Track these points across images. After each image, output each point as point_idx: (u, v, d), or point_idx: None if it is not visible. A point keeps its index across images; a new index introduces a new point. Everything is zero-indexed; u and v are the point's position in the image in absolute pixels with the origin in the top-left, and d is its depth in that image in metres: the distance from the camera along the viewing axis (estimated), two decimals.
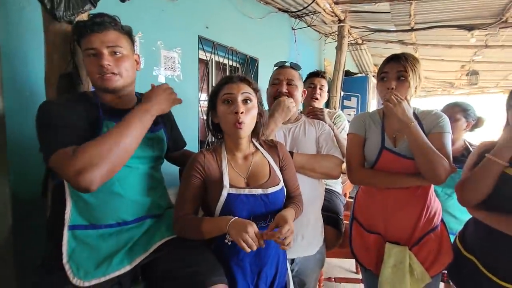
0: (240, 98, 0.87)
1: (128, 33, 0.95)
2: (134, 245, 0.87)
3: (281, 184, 0.94)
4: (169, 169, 1.21)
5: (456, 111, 1.55)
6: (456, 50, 4.39)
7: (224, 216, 0.83)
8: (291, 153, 1.10)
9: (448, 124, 1.06)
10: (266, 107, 1.12)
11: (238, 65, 2.79)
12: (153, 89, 0.97)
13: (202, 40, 2.20)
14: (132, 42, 0.97)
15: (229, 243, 0.81)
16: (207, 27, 2.24)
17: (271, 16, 3.07)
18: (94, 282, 0.77)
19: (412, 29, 3.83)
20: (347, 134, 1.23)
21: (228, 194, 0.86)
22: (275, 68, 1.29)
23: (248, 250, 0.74)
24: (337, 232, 1.41)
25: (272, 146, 1.00)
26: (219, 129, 0.95)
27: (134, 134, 0.82)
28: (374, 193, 1.14)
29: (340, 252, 1.48)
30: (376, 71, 1.35)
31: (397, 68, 1.05)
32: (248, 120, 0.88)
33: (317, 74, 1.83)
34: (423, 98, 8.50)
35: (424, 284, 1.03)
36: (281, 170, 0.98)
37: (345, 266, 2.39)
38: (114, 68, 0.88)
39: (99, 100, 0.92)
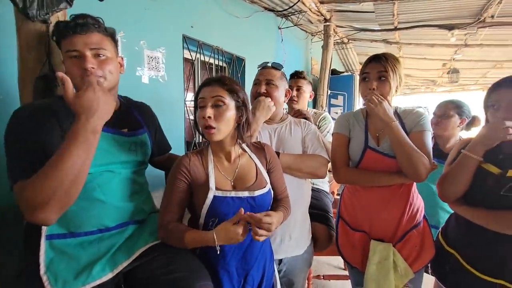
0: (210, 103, 0.85)
1: (111, 35, 0.92)
2: (117, 251, 0.84)
3: (268, 186, 0.94)
4: (155, 171, 1.19)
5: (449, 107, 1.57)
6: (438, 49, 4.52)
7: (205, 232, 0.82)
8: (277, 153, 1.09)
9: (429, 122, 1.09)
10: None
11: (224, 65, 2.77)
12: (82, 95, 0.72)
13: (187, 40, 2.17)
14: (116, 44, 0.94)
15: (219, 252, 0.80)
16: (192, 26, 2.20)
17: (257, 15, 3.06)
18: None
19: (395, 29, 3.91)
20: (332, 134, 1.23)
21: (214, 196, 0.85)
22: (258, 69, 1.28)
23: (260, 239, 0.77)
24: (327, 228, 1.42)
25: (259, 148, 1.00)
26: None
27: (78, 161, 0.69)
28: (359, 191, 1.15)
29: (328, 249, 1.49)
30: None
31: (378, 69, 1.06)
32: (220, 124, 0.85)
33: (293, 75, 1.80)
34: (407, 96, 8.72)
35: (408, 279, 1.05)
36: (268, 172, 0.98)
37: (334, 263, 2.42)
38: (98, 70, 0.84)
39: None
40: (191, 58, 2.31)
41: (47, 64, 1.01)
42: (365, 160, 1.11)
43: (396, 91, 1.10)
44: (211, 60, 2.57)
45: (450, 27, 3.42)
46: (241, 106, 0.89)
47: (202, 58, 2.46)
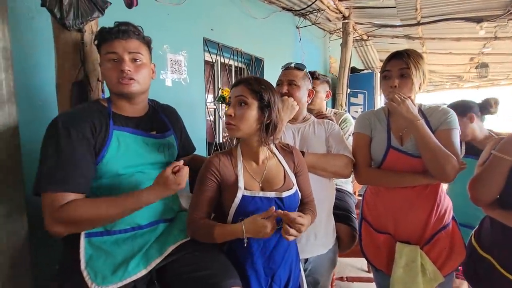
0: (234, 102, 0.90)
1: (148, 43, 0.99)
2: (149, 249, 0.88)
3: (295, 188, 0.95)
4: None
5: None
6: (465, 43, 4.30)
7: (234, 225, 0.84)
8: (302, 152, 1.10)
9: (456, 120, 1.04)
10: None
11: (243, 66, 2.79)
12: (166, 180, 0.85)
13: (207, 42, 2.21)
14: (150, 52, 1.00)
15: (247, 245, 0.82)
16: (212, 29, 2.25)
17: (275, 16, 3.06)
18: (111, 287, 0.78)
19: (418, 23, 3.76)
20: (353, 134, 1.22)
21: (243, 196, 0.87)
22: (281, 69, 1.29)
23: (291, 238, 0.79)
24: (350, 229, 1.40)
25: (288, 152, 1.01)
26: None
27: (124, 213, 0.84)
28: (382, 192, 1.13)
29: (351, 251, 1.47)
30: None
31: (400, 66, 1.04)
32: (240, 123, 0.88)
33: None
34: (430, 93, 8.37)
35: (437, 283, 1.02)
36: (295, 175, 0.99)
37: (357, 265, 2.38)
38: (134, 74, 0.91)
39: (111, 108, 0.93)
40: (211, 60, 2.35)
41: (82, 70, 1.08)
42: (388, 160, 1.08)
43: (419, 88, 1.06)
44: (231, 62, 2.61)
45: (478, 20, 3.25)
46: (265, 107, 0.90)
47: (222, 60, 2.49)
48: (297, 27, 3.62)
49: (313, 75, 1.81)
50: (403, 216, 1.07)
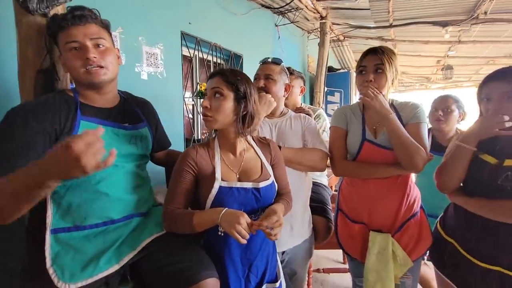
0: (210, 93, 0.90)
1: (107, 26, 0.93)
2: (122, 243, 0.85)
3: (272, 178, 0.96)
4: (154, 168, 1.19)
5: (450, 102, 1.60)
6: (432, 45, 4.58)
7: (214, 208, 0.84)
8: (279, 147, 1.11)
9: (425, 114, 1.11)
10: None
11: (222, 62, 2.77)
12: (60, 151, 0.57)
13: (185, 36, 2.17)
14: (111, 35, 0.95)
15: (222, 234, 0.82)
16: (190, 23, 2.20)
17: (254, 13, 3.06)
18: (80, 284, 0.75)
19: (390, 26, 3.94)
20: (330, 128, 1.25)
21: (220, 187, 0.87)
22: (258, 64, 1.30)
23: (243, 241, 0.75)
24: (326, 221, 1.44)
25: (265, 144, 1.02)
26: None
27: (26, 188, 0.63)
28: (357, 184, 1.17)
29: (328, 242, 1.51)
30: None
31: (375, 61, 1.08)
32: (216, 114, 0.88)
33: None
34: (402, 93, 8.80)
35: (407, 268, 1.07)
36: (272, 167, 1.00)
37: (333, 257, 2.46)
38: (101, 60, 0.85)
39: (78, 98, 0.88)
40: (189, 55, 2.31)
41: (47, 58, 1.01)
42: (362, 152, 1.13)
43: (392, 83, 1.11)
44: (209, 57, 2.57)
45: (444, 24, 3.47)
46: (241, 99, 0.90)
47: (200, 55, 2.45)
48: (276, 25, 3.65)
49: (288, 70, 1.83)
50: (376, 206, 1.12)
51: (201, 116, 0.93)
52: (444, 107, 1.61)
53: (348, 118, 1.20)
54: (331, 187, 2.25)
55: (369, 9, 3.58)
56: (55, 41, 0.88)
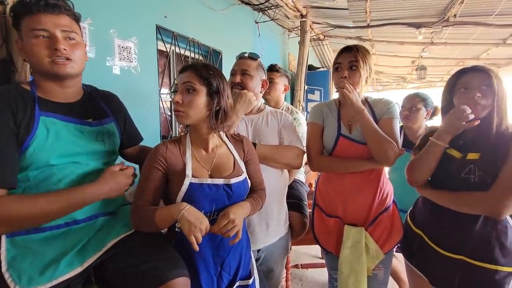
0: (182, 88, 0.87)
1: (78, 20, 0.89)
2: (86, 245, 0.80)
3: (244, 175, 0.94)
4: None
5: (416, 101, 1.68)
6: (407, 46, 4.75)
7: (175, 204, 0.82)
8: (254, 144, 1.10)
9: (397, 110, 1.14)
10: None
11: (201, 58, 2.71)
12: (114, 175, 0.87)
13: (160, 30, 2.10)
14: (81, 30, 0.90)
15: (178, 231, 0.79)
16: (165, 17, 2.13)
17: (234, 9, 3.03)
18: None
19: (368, 26, 4.04)
20: (307, 123, 1.26)
21: (190, 183, 0.84)
22: (235, 59, 1.28)
23: (197, 248, 0.75)
24: (302, 216, 1.45)
25: (238, 140, 1.00)
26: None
27: (64, 211, 0.78)
28: (333, 178, 1.19)
29: (305, 238, 1.53)
30: None
31: (349, 59, 1.11)
32: (188, 109, 0.86)
33: (268, 69, 1.80)
34: (380, 92, 9.09)
35: (379, 260, 1.10)
36: (245, 164, 0.98)
37: (311, 252, 2.49)
38: (70, 53, 0.81)
39: (36, 92, 0.82)
40: (166, 50, 2.24)
41: (4, 48, 0.94)
42: (338, 147, 1.14)
43: (366, 81, 1.14)
44: (187, 53, 2.51)
45: (417, 25, 3.60)
46: (214, 93, 0.88)
47: (178, 50, 2.39)
48: (256, 22, 3.64)
49: (274, 68, 1.83)
50: (351, 200, 1.14)
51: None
52: (410, 106, 1.68)
53: (325, 114, 1.22)
54: (310, 184, 2.27)
55: (347, 9, 3.65)
56: (17, 25, 0.81)
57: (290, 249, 1.99)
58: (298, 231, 1.40)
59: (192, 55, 2.59)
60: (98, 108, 0.96)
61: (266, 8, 3.56)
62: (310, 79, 4.61)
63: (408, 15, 3.56)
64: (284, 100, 1.96)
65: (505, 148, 0.92)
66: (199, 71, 0.87)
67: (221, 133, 0.97)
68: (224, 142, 0.98)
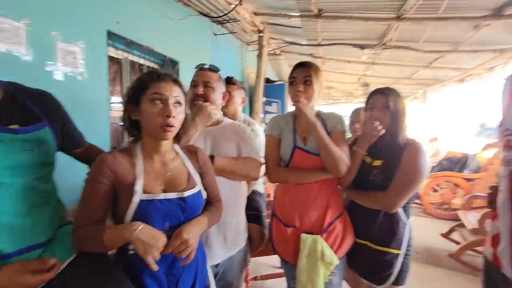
0: (172, 101, 0.83)
1: None
2: None
3: (199, 187, 0.91)
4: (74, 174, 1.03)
5: (363, 114, 1.84)
6: (353, 65, 5.24)
7: (127, 224, 0.76)
8: (212, 156, 1.08)
9: (345, 124, 1.25)
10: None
11: (156, 66, 2.62)
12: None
13: (112, 36, 1.98)
14: None
15: (132, 253, 0.74)
16: (117, 22, 2.02)
17: (192, 19, 3.01)
18: None
19: (319, 44, 4.37)
20: (265, 136, 1.29)
21: (141, 201, 0.78)
22: (195, 70, 1.26)
23: (156, 268, 0.71)
24: (260, 228, 1.46)
25: (192, 152, 0.97)
26: (136, 127, 0.87)
27: None
28: (290, 189, 1.23)
29: (265, 249, 1.53)
30: None
31: (304, 74, 1.18)
32: (178, 124, 0.84)
33: (225, 81, 1.82)
34: (331, 105, 9.79)
35: (334, 266, 1.15)
36: (201, 176, 0.95)
37: (271, 263, 2.50)
38: None
39: None
40: (118, 57, 2.11)
41: None
42: (294, 159, 1.19)
43: (318, 95, 1.21)
44: (142, 61, 2.41)
45: (362, 47, 4.01)
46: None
47: (131, 58, 2.27)
48: (215, 34, 3.67)
49: (231, 81, 1.84)
50: (307, 209, 1.19)
51: (157, 127, 0.81)
52: (358, 119, 1.85)
53: (281, 126, 1.26)
54: (269, 194, 2.31)
55: (301, 27, 3.91)
56: None
57: (249, 261, 1.98)
58: (257, 243, 1.40)
59: (148, 63, 2.49)
60: (26, 111, 0.81)
61: (225, 21, 3.62)
62: (268, 91, 4.76)
63: (353, 37, 3.94)
64: (242, 112, 1.99)
65: (398, 158, 1.16)
66: (182, 86, 0.87)
67: (175, 145, 0.93)
68: (178, 154, 0.94)
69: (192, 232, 0.81)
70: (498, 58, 3.85)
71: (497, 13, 2.68)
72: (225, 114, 1.80)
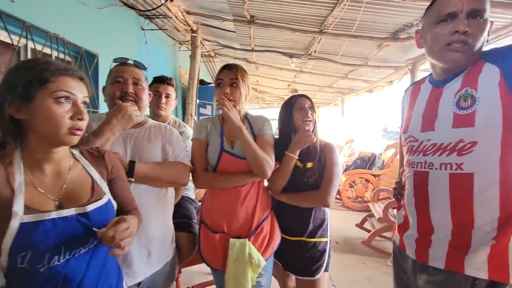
0: (80, 101, 0.71)
1: None
2: None
3: (107, 197, 0.78)
4: None
5: None
6: (284, 72, 5.58)
7: None
8: (132, 162, 0.98)
9: (271, 127, 1.28)
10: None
11: (69, 58, 2.26)
12: None
13: (3, 17, 1.62)
14: None
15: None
16: (12, 1, 1.67)
17: (114, 10, 2.72)
18: None
19: (252, 50, 4.50)
20: (192, 139, 1.25)
21: (21, 224, 0.62)
22: (116, 64, 1.11)
23: None
24: (191, 236, 1.39)
25: (97, 156, 0.82)
26: (18, 128, 0.68)
27: None
28: (218, 194, 1.21)
29: (197, 258, 1.47)
30: None
31: (230, 76, 1.18)
32: (85, 128, 0.72)
33: (162, 81, 1.71)
34: (265, 109, 10.22)
35: (261, 268, 1.15)
36: (110, 183, 0.83)
37: (205, 270, 2.43)
38: None
39: None
40: (12, 42, 1.74)
41: None
42: (221, 163, 1.18)
43: (245, 98, 1.23)
44: (48, 50, 2.04)
45: (290, 55, 4.30)
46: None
47: (33, 46, 1.90)
48: (143, 29, 3.40)
49: (170, 81, 1.73)
50: (235, 213, 1.18)
51: (61, 129, 0.68)
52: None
53: (209, 129, 1.23)
54: (200, 199, 2.24)
55: (235, 32, 3.96)
56: None
57: (180, 272, 1.88)
58: (187, 252, 1.33)
59: (56, 53, 2.12)
60: None
61: (154, 16, 3.39)
62: (202, 93, 4.65)
63: (283, 46, 4.21)
64: (172, 114, 1.88)
65: (324, 158, 1.29)
66: (86, 80, 0.76)
67: (73, 150, 0.79)
68: (78, 161, 0.78)
69: (132, 227, 0.71)
70: (395, 73, 4.66)
71: (394, 36, 3.25)
72: (157, 117, 1.68)
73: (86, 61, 2.38)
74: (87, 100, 0.74)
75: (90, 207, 0.72)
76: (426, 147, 0.90)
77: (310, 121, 1.30)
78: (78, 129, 0.70)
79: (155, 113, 1.68)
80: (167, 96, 1.70)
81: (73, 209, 0.69)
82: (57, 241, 0.65)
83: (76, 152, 0.79)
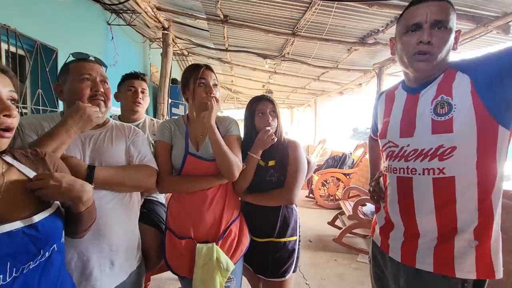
0: (6, 97, 0.63)
1: None
2: None
3: (56, 204, 0.70)
4: None
5: None
6: (258, 72, 5.60)
7: None
8: (92, 167, 0.91)
9: (238, 127, 1.28)
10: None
11: (22, 52, 2.06)
12: None
13: None
14: None
15: None
16: None
17: (77, 1, 2.54)
18: None
19: (226, 50, 4.46)
20: (155, 142, 1.20)
21: None
22: (75, 59, 1.01)
23: None
24: (158, 241, 1.32)
25: (37, 160, 0.74)
26: None
27: None
28: (184, 198, 1.16)
29: (163, 266, 1.40)
30: None
31: (213, 77, 1.20)
32: (14, 128, 0.65)
33: (136, 76, 1.65)
34: (240, 109, 10.17)
35: (230, 272, 1.12)
36: None
37: (175, 276, 2.35)
38: None
39: None
40: None
41: None
42: (186, 166, 1.14)
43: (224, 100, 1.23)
44: None
45: (264, 56, 4.32)
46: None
47: None
48: (109, 24, 3.22)
49: (144, 77, 1.67)
50: (202, 217, 1.14)
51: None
52: None
53: (173, 131, 1.19)
54: None
55: (208, 31, 3.89)
56: None
57: (149, 280, 1.80)
58: (156, 260, 1.27)
59: (6, 46, 1.92)
60: None
61: (121, 11, 3.22)
62: (175, 93, 4.52)
63: (257, 46, 4.21)
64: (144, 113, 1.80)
65: (287, 155, 1.28)
66: (10, 73, 0.67)
67: (4, 155, 0.69)
68: (13, 166, 0.68)
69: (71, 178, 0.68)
70: (364, 77, 4.87)
71: (362, 41, 3.39)
72: (137, 113, 1.60)
73: (43, 56, 2.20)
74: (15, 95, 0.65)
75: (37, 217, 0.64)
76: (407, 153, 0.91)
77: (270, 127, 1.29)
78: (6, 129, 0.62)
79: (132, 110, 1.60)
80: (143, 92, 1.63)
81: (18, 222, 0.61)
82: (3, 261, 0.57)
83: (8, 157, 0.69)
